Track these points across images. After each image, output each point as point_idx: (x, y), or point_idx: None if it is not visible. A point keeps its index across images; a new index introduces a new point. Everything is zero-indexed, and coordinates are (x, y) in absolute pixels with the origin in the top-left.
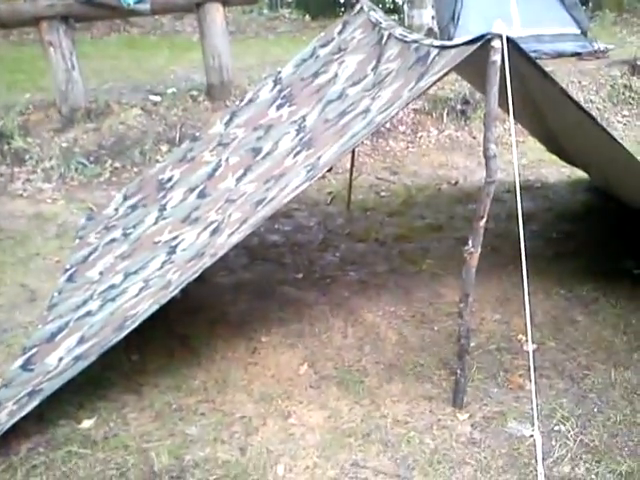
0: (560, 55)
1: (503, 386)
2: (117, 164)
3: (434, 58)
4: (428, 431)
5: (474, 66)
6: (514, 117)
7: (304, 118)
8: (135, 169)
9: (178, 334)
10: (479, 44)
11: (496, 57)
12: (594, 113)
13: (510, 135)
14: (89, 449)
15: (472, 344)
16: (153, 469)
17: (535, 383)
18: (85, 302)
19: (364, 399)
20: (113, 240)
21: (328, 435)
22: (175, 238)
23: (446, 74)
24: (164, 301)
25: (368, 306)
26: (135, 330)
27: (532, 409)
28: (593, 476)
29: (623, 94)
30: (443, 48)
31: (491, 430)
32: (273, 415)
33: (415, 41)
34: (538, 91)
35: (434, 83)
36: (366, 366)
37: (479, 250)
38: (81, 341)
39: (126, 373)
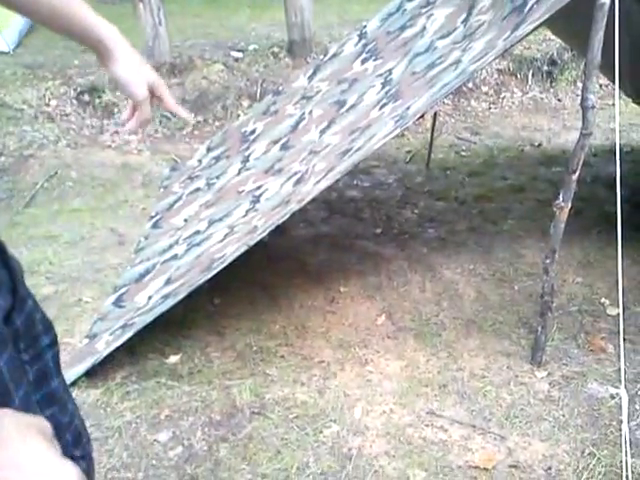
0: None
1: (584, 347)
2: (199, 118)
3: (532, 6)
4: (505, 386)
5: (573, 15)
6: (607, 72)
7: (390, 71)
8: (217, 123)
9: (258, 282)
10: None
11: None
12: None
13: (599, 99)
14: (176, 381)
15: (553, 304)
16: (235, 404)
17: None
18: (171, 246)
19: (441, 352)
20: (197, 189)
21: (405, 383)
22: (259, 188)
23: (543, 24)
24: (252, 243)
25: (447, 263)
26: (217, 275)
27: (615, 371)
28: None
29: None
30: None
31: (570, 389)
32: (350, 362)
33: None
34: None
35: (531, 32)
36: (444, 320)
37: (569, 205)
38: (168, 282)
39: (209, 316)
